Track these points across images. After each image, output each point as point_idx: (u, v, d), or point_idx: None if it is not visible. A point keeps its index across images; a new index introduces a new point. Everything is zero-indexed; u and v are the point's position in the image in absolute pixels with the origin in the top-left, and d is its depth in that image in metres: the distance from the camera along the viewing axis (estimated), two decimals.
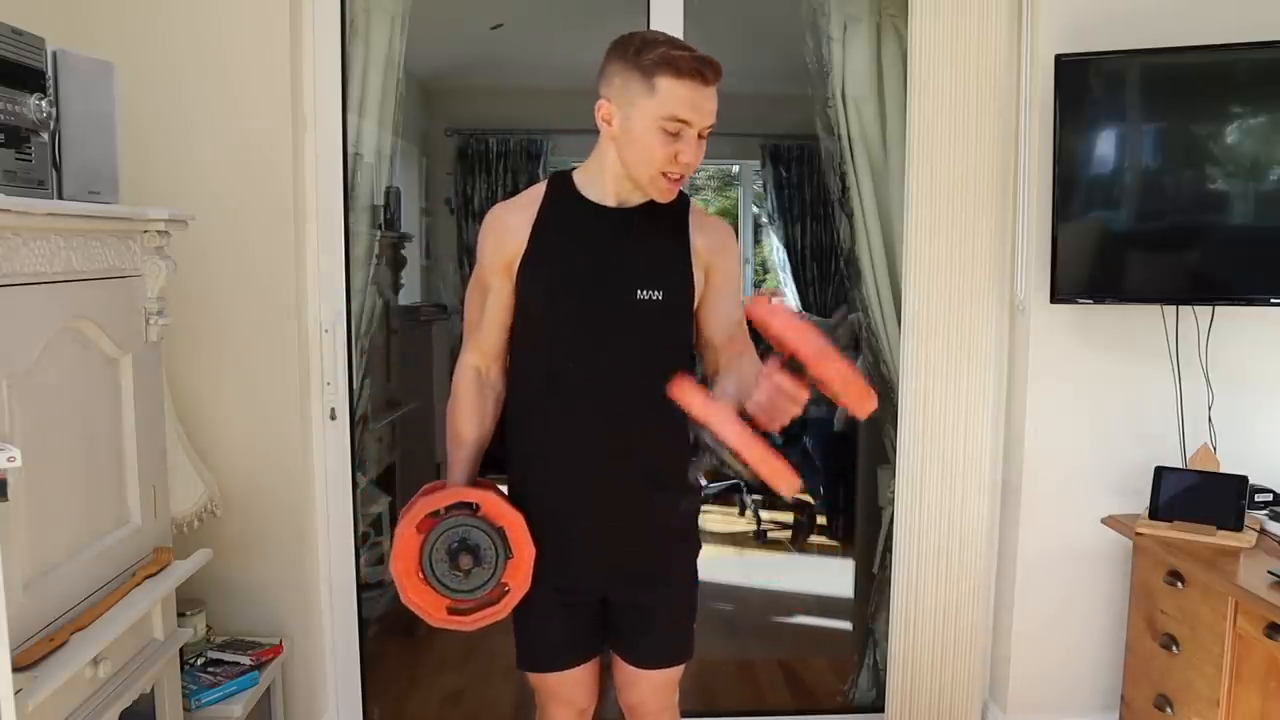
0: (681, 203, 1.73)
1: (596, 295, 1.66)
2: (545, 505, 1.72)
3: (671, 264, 1.69)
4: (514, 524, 1.66)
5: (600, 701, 1.90)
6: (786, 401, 1.41)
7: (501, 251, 1.69)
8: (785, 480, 1.41)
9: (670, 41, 1.59)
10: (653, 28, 2.53)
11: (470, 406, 1.76)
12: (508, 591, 1.67)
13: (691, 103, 1.55)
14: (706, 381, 1.80)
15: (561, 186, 1.71)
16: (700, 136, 1.60)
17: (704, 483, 2.03)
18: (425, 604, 1.66)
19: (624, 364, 1.66)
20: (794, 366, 1.40)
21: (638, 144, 1.59)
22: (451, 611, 1.67)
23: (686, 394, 1.44)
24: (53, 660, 1.46)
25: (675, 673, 1.85)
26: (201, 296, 2.37)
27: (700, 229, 1.73)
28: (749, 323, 1.77)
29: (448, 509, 1.66)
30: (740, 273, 1.84)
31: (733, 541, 4.77)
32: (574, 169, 1.73)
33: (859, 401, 1.42)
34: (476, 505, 1.66)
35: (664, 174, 1.60)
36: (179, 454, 2.23)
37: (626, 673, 1.84)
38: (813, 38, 2.69)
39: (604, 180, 1.67)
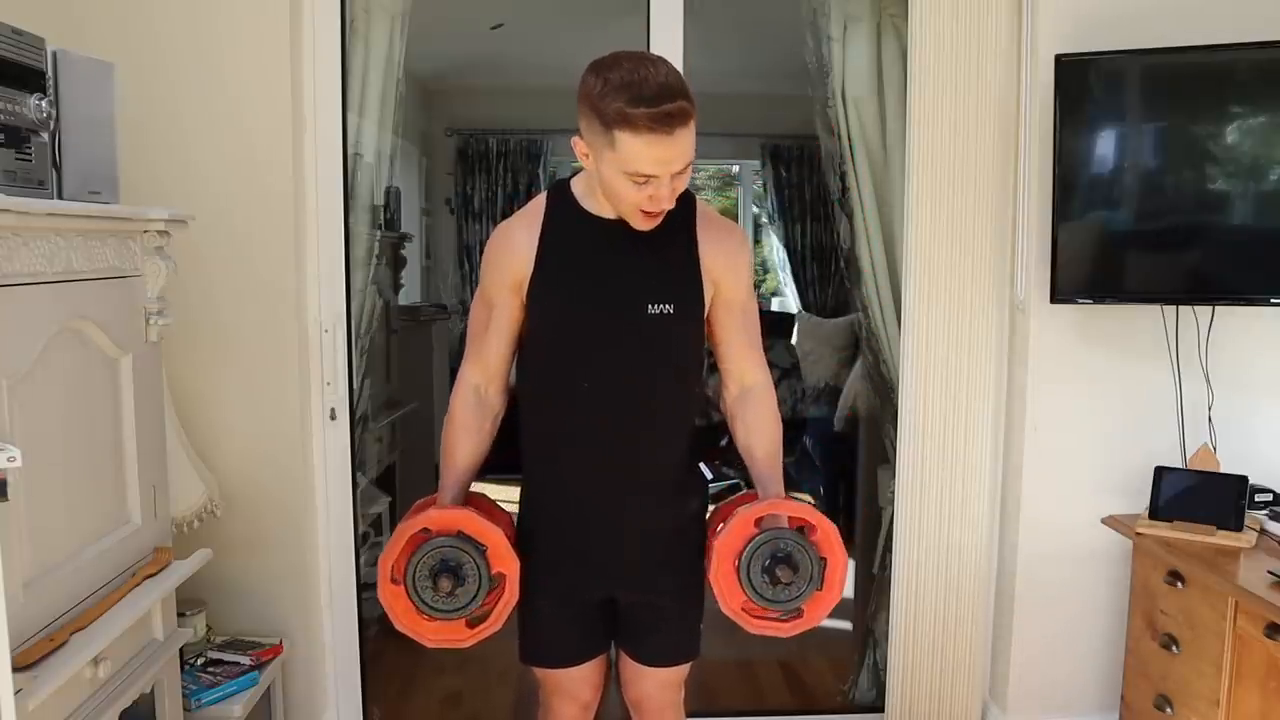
0: (687, 207, 1.68)
1: (608, 311, 1.64)
2: (556, 508, 1.74)
3: (681, 275, 1.66)
4: (495, 542, 1.64)
5: (604, 698, 1.90)
6: None
7: (509, 271, 1.67)
8: None
9: (629, 86, 1.44)
10: (653, 29, 2.53)
11: (466, 429, 1.75)
12: (489, 613, 1.65)
13: (652, 158, 1.47)
14: (719, 396, 1.81)
15: (561, 198, 1.69)
16: (677, 174, 1.52)
17: (709, 476, 2.03)
18: (410, 623, 1.65)
19: (637, 377, 1.65)
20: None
21: (609, 188, 1.55)
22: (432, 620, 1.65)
23: None
24: (53, 660, 1.46)
25: (681, 671, 1.85)
26: (201, 296, 2.36)
27: (709, 236, 1.69)
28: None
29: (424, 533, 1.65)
30: (751, 279, 1.78)
31: None
32: (572, 177, 1.71)
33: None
34: (460, 532, 1.63)
35: (642, 210, 1.56)
36: (179, 454, 2.22)
37: (632, 669, 1.84)
38: (813, 38, 2.69)
39: (598, 195, 1.63)
